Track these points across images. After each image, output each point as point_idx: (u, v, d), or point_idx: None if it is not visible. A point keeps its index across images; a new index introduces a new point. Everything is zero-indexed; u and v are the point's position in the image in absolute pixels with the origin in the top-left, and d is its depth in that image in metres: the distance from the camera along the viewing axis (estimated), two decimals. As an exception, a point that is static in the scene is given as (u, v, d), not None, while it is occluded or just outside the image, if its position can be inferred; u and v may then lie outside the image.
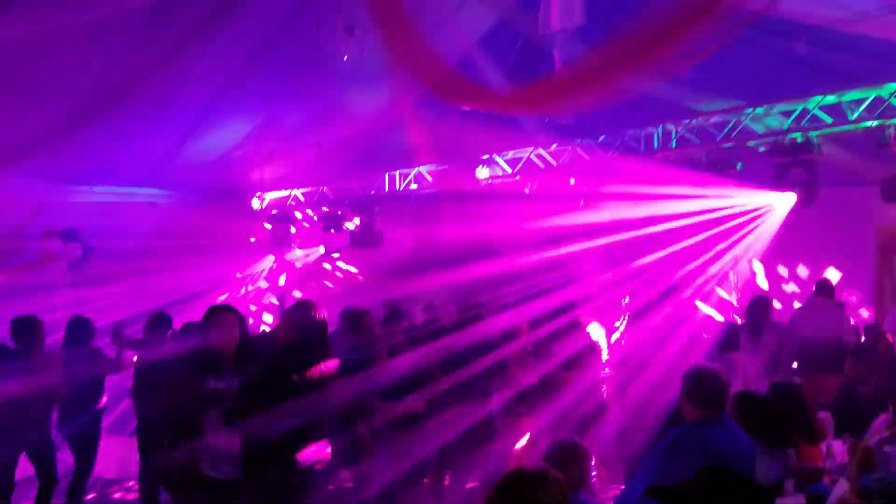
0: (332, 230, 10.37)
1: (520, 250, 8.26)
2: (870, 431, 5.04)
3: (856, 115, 6.43)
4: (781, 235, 7.96)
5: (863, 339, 7.56)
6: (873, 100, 6.38)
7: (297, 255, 10.86)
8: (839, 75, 6.68)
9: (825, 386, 6.80)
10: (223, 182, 9.69)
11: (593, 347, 6.97)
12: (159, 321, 6.92)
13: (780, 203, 7.17)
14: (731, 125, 7.06)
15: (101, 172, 8.84)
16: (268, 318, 10.81)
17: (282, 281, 11.00)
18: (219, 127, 8.40)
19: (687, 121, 7.30)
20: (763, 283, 8.72)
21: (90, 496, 7.36)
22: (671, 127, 7.36)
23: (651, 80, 6.85)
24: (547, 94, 7.19)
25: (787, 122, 6.79)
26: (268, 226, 10.64)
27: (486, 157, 8.58)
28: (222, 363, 4.36)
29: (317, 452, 4.77)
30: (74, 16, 6.23)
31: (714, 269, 8.23)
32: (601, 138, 7.80)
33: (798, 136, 6.68)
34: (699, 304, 7.88)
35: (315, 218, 10.60)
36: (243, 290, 10.82)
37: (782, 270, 8.78)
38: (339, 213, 10.11)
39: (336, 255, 10.75)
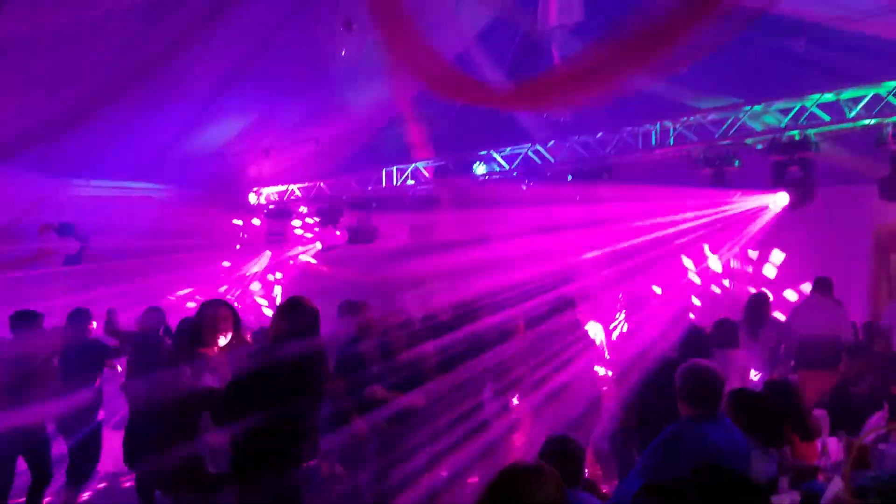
0: (329, 226, 10.36)
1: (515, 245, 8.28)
2: (864, 429, 5.06)
3: (854, 113, 6.43)
4: (779, 233, 7.98)
5: (860, 337, 7.59)
6: (871, 98, 6.38)
7: (294, 251, 10.85)
8: (837, 73, 6.68)
9: (822, 383, 6.82)
10: (220, 177, 9.68)
11: (590, 344, 6.98)
12: (152, 315, 6.92)
13: (774, 203, 7.18)
14: (729, 122, 7.05)
15: (97, 166, 8.82)
16: (267, 312, 10.83)
17: (278, 276, 11.00)
18: (216, 122, 8.38)
19: (685, 118, 7.30)
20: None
21: (86, 493, 7.38)
22: (669, 124, 7.35)
23: (649, 77, 6.85)
24: (545, 90, 7.18)
25: (785, 120, 6.78)
26: (256, 221, 10.62)
27: (483, 153, 8.57)
28: (215, 357, 4.35)
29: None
30: (73, 11, 6.21)
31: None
32: (599, 135, 7.79)
33: (796, 134, 6.68)
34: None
35: (312, 214, 10.59)
36: (239, 288, 10.81)
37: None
38: (337, 209, 10.10)
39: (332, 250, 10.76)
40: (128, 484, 7.30)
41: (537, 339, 6.55)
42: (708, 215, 7.97)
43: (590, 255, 8.58)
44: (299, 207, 10.53)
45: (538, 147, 8.25)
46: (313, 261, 10.96)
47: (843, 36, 6.22)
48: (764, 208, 7.33)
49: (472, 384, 6.26)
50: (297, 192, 10.15)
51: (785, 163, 6.74)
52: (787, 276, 8.37)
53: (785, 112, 6.82)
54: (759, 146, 7.01)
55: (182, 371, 4.33)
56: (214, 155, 8.94)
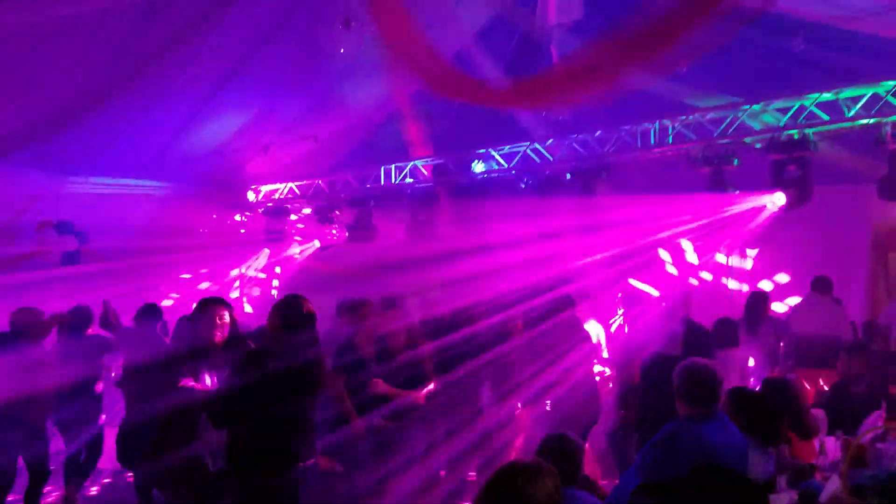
0: (328, 224, 10.35)
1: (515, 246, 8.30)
2: (862, 428, 5.06)
3: (852, 112, 6.43)
4: (777, 232, 7.98)
5: (860, 335, 7.62)
6: (870, 97, 6.38)
7: (293, 249, 10.84)
8: (836, 73, 6.69)
9: (821, 382, 6.83)
10: (218, 174, 9.67)
11: (589, 342, 6.98)
12: (149, 312, 6.91)
13: (772, 202, 7.18)
14: (727, 121, 7.05)
15: (96, 164, 8.80)
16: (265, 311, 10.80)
17: (277, 272, 10.99)
18: (215, 119, 8.37)
19: (684, 117, 7.30)
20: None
21: (91, 489, 7.39)
22: (668, 123, 7.35)
23: (648, 75, 6.85)
24: (544, 88, 7.19)
25: (784, 119, 6.78)
26: (259, 217, 10.61)
27: (482, 151, 8.56)
28: (213, 356, 4.35)
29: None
30: (71, 6, 6.20)
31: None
32: (597, 133, 7.79)
33: (795, 134, 6.68)
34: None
35: (310, 211, 10.58)
36: (237, 286, 10.80)
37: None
38: (335, 206, 10.09)
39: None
40: (130, 479, 7.31)
41: (536, 338, 6.55)
42: (706, 218, 8.02)
43: (588, 258, 8.69)
44: (297, 205, 10.52)
45: (537, 145, 8.25)
46: (300, 257, 10.96)
47: (842, 35, 6.22)
48: (762, 208, 7.34)
49: (471, 383, 6.27)
50: (296, 190, 10.14)
51: (783, 162, 6.74)
52: (788, 275, 8.39)
53: (784, 111, 6.82)
54: (758, 145, 7.01)
55: (180, 369, 4.33)
56: (213, 152, 8.92)
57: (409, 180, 9.15)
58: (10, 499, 6.24)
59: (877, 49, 6.38)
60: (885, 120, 6.33)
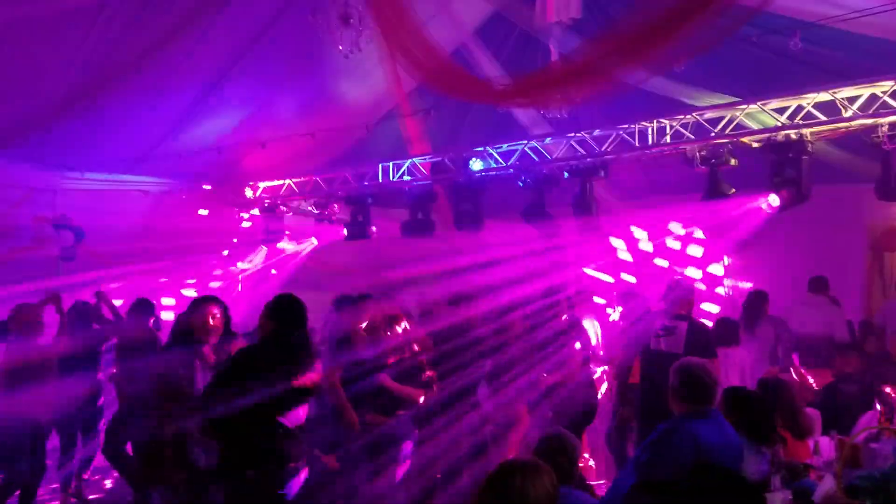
0: (325, 222, 10.34)
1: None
2: (856, 428, 5.09)
3: (850, 112, 6.44)
4: (774, 232, 8.01)
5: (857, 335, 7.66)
6: (867, 97, 6.39)
7: (290, 246, 10.82)
8: (834, 72, 6.70)
9: (817, 381, 6.87)
10: (216, 170, 9.65)
11: (586, 341, 7.01)
12: (141, 307, 6.91)
13: (768, 202, 7.19)
14: (725, 121, 7.06)
15: (91, 159, 8.78)
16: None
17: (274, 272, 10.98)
18: (212, 115, 8.35)
19: (681, 116, 7.30)
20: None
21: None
22: (665, 122, 7.36)
23: (646, 74, 6.86)
24: (542, 86, 7.20)
25: (782, 119, 6.79)
26: (251, 214, 10.58)
27: (479, 149, 8.56)
28: (206, 354, 4.35)
29: None
30: (68, 1, 6.19)
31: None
32: (595, 132, 7.79)
33: (792, 133, 6.69)
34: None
35: (309, 207, 10.56)
36: (240, 284, 10.78)
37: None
38: (332, 204, 10.08)
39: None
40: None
41: (533, 336, 6.58)
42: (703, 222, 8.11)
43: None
44: (295, 202, 10.50)
45: (535, 143, 8.25)
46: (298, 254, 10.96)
47: (839, 35, 6.23)
48: (758, 208, 7.36)
49: (468, 381, 6.29)
50: (294, 187, 10.12)
51: (781, 161, 6.75)
52: (784, 274, 8.42)
53: (781, 111, 6.83)
54: (755, 145, 7.02)
55: (174, 367, 4.33)
56: (210, 148, 8.90)
57: (406, 178, 9.14)
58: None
59: (874, 49, 6.39)
60: (881, 120, 6.34)
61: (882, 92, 6.28)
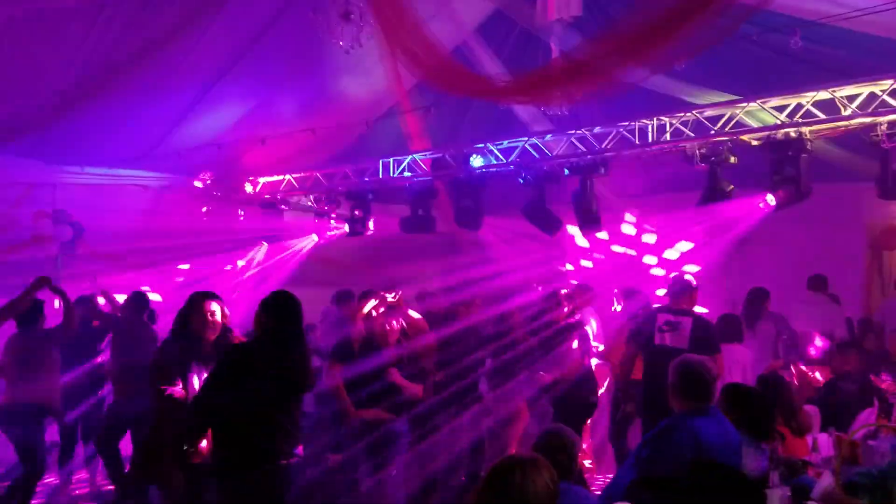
0: (326, 217, 10.34)
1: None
2: (855, 425, 5.11)
3: (849, 111, 6.45)
4: (773, 230, 8.03)
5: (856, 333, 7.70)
6: (867, 96, 6.41)
7: (291, 242, 10.82)
8: (833, 71, 6.71)
9: (814, 379, 6.90)
10: (216, 166, 9.66)
11: (586, 336, 7.03)
12: (136, 301, 6.92)
13: (768, 201, 7.22)
14: (725, 119, 7.08)
15: (91, 154, 8.79)
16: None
17: (275, 267, 10.97)
18: (212, 112, 8.36)
19: (681, 114, 7.31)
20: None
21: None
22: (665, 120, 7.37)
23: (647, 72, 6.87)
24: (543, 84, 7.21)
25: (781, 117, 6.81)
26: (257, 210, 10.58)
27: (480, 145, 8.57)
28: (204, 351, 4.34)
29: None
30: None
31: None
32: (596, 129, 7.80)
33: (791, 132, 6.71)
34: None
35: (309, 203, 10.56)
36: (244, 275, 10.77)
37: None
38: (333, 199, 10.07)
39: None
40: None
41: (533, 332, 6.60)
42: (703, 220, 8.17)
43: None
44: (295, 198, 10.50)
45: (535, 140, 8.26)
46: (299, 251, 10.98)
47: (839, 33, 6.24)
48: (757, 206, 7.38)
49: (469, 377, 6.31)
50: (294, 183, 10.12)
51: (780, 159, 6.77)
52: (783, 273, 8.45)
53: (780, 109, 6.84)
54: (755, 143, 7.04)
55: (171, 363, 4.32)
56: (210, 144, 8.90)
57: (407, 174, 9.15)
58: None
59: (874, 48, 6.40)
60: (880, 119, 6.35)
61: (881, 90, 6.29)
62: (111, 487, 6.90)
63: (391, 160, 9.20)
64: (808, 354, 7.34)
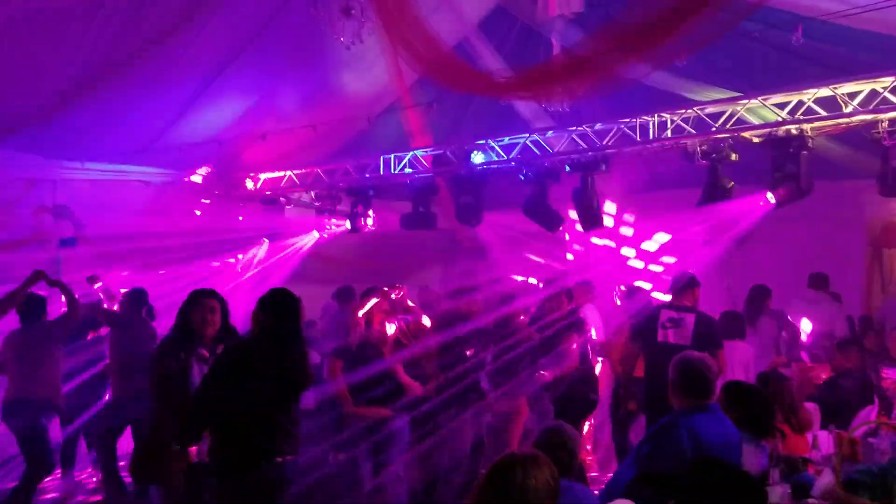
0: (327, 213, 10.32)
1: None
2: (855, 423, 5.12)
3: (850, 108, 6.44)
4: (773, 227, 8.02)
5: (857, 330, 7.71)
6: (868, 93, 6.40)
7: (292, 240, 10.80)
8: (835, 68, 6.70)
9: (816, 376, 6.90)
10: (217, 161, 9.65)
11: (587, 333, 7.04)
12: (134, 297, 6.92)
13: (768, 198, 7.21)
14: (726, 116, 7.07)
15: (92, 149, 8.77)
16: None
17: (276, 264, 10.96)
18: (213, 107, 8.35)
19: (682, 110, 7.31)
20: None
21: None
22: (666, 116, 7.36)
23: (648, 68, 6.86)
24: (544, 80, 7.21)
25: (782, 114, 6.80)
26: (258, 207, 10.57)
27: (481, 142, 8.56)
28: (203, 348, 4.34)
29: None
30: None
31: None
32: (597, 126, 7.79)
33: (792, 128, 6.70)
34: None
35: (310, 198, 10.54)
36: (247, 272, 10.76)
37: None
38: (334, 196, 10.06)
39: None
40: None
41: (536, 329, 6.60)
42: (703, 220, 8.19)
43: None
44: (296, 194, 10.48)
45: (536, 137, 8.25)
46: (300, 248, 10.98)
47: (840, 30, 6.23)
48: (757, 204, 7.38)
49: (470, 377, 6.32)
50: (295, 179, 10.11)
51: (781, 157, 6.76)
52: (784, 270, 8.45)
53: (782, 106, 6.83)
54: (756, 140, 7.03)
55: (170, 361, 4.31)
56: (211, 140, 8.90)
57: (408, 170, 9.15)
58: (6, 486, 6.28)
59: (876, 45, 6.40)
60: (882, 116, 6.34)
61: (882, 88, 6.28)
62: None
63: (392, 156, 9.18)
64: (805, 344, 7.38)
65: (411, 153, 9.03)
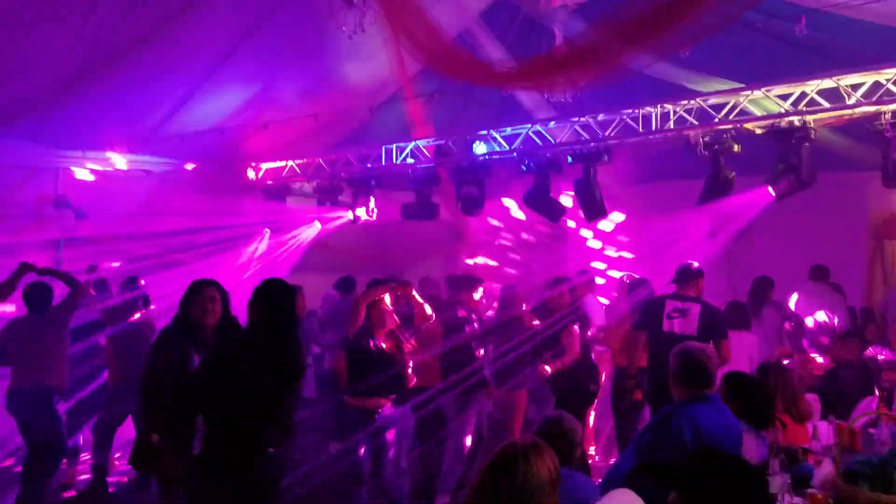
0: (328, 204, 10.31)
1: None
2: (855, 413, 5.13)
3: (853, 99, 6.43)
4: (775, 219, 8.02)
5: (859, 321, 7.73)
6: (871, 85, 6.38)
7: (295, 230, 10.79)
8: (838, 59, 6.68)
9: (816, 367, 6.92)
10: (218, 151, 9.63)
11: (589, 324, 7.05)
12: (130, 286, 6.92)
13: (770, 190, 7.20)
14: (729, 107, 7.05)
15: (93, 138, 8.77)
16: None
17: (279, 254, 10.96)
18: (215, 96, 8.33)
19: (685, 101, 7.29)
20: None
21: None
22: (669, 107, 7.34)
23: (651, 59, 6.84)
24: (546, 70, 7.18)
25: (785, 105, 6.78)
26: (260, 197, 10.55)
27: (483, 132, 8.54)
28: (203, 337, 4.34)
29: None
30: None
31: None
32: (599, 117, 7.78)
33: (795, 120, 6.68)
34: None
35: (311, 191, 10.52)
36: (250, 270, 10.75)
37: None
38: (336, 186, 10.05)
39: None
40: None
41: (537, 322, 6.61)
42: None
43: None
44: (298, 184, 10.46)
45: (538, 127, 8.24)
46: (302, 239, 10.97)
47: (843, 22, 6.21)
48: (759, 195, 7.37)
49: (473, 366, 6.34)
50: (296, 169, 10.10)
51: (783, 148, 6.75)
52: (786, 261, 8.45)
53: (785, 97, 6.82)
54: (759, 131, 7.01)
55: (170, 351, 4.32)
56: (213, 129, 8.88)
57: (410, 161, 9.13)
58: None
59: (879, 36, 6.37)
60: (884, 108, 6.32)
61: (886, 79, 6.26)
62: (122, 470, 6.95)
63: (394, 146, 9.17)
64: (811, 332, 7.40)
65: (413, 143, 9.02)
